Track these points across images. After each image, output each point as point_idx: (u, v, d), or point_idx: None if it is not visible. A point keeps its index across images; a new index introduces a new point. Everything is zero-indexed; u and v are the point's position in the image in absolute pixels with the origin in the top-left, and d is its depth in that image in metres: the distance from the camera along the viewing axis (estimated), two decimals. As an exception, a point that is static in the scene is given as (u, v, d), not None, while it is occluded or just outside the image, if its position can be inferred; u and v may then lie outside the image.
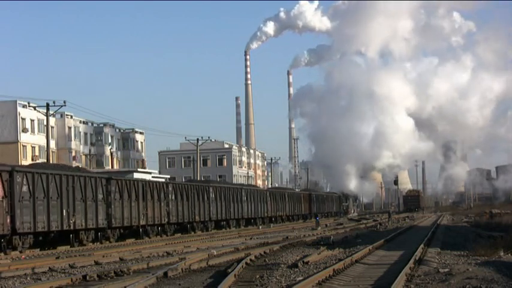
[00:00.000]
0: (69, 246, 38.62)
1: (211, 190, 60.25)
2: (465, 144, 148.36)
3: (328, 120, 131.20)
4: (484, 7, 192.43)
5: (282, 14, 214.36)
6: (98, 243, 41.68)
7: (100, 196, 41.44)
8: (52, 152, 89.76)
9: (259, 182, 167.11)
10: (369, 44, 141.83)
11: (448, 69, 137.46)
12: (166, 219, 50.93)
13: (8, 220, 32.86)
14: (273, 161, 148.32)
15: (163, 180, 68.93)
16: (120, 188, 44.10)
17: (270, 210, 78.32)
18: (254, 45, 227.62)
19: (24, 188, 34.19)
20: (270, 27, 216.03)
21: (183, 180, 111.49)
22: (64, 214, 37.42)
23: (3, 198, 32.59)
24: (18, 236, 34.07)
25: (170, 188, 52.13)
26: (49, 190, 36.14)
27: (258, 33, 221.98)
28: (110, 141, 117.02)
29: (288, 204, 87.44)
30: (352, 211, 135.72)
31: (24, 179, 34.24)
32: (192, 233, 55.61)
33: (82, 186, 39.36)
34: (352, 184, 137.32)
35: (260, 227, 66.58)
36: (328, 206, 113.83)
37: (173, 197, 52.22)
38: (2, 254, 32.82)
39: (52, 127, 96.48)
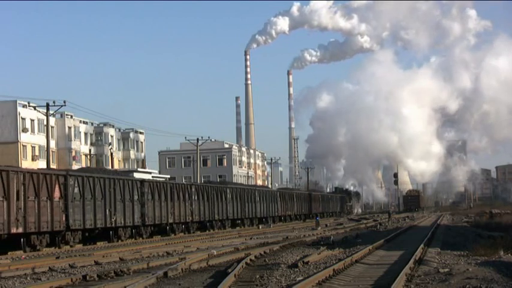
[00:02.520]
0: (106, 242, 42.48)
1: (228, 191, 64.41)
2: (477, 144, 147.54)
3: (346, 117, 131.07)
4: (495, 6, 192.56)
5: (294, 11, 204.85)
6: (133, 239, 45.79)
7: (136, 197, 46.14)
8: (52, 152, 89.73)
9: (259, 182, 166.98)
10: (388, 40, 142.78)
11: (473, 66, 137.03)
12: (190, 218, 55.27)
13: (63, 218, 37.55)
14: (273, 161, 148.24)
15: (163, 180, 69.23)
16: (151, 189, 48.70)
17: (280, 210, 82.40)
18: (262, 40, 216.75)
19: (76, 190, 38.92)
20: (284, 24, 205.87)
21: (183, 180, 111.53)
22: (107, 213, 42.03)
23: (59, 198, 37.15)
24: (70, 232, 38.56)
25: (193, 189, 56.47)
26: (95, 192, 40.89)
27: (270, 29, 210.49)
28: (110, 141, 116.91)
29: (296, 204, 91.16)
30: (356, 210, 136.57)
31: (76, 182, 38.99)
32: (211, 230, 59.43)
33: (121, 188, 44.10)
34: (378, 193, 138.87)
35: (260, 227, 66.59)
36: (332, 205, 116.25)
37: (196, 198, 56.66)
38: (57, 247, 37.25)
39: (52, 127, 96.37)
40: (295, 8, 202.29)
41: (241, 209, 67.55)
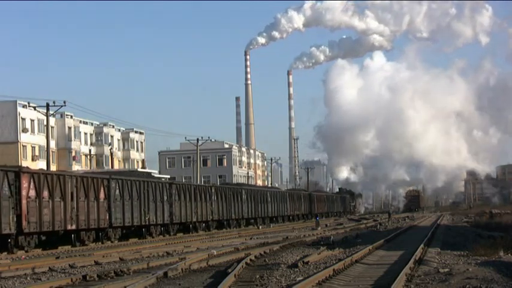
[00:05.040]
0: (137, 239, 46.32)
1: (243, 192, 68.86)
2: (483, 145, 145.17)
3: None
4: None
5: (307, 8, 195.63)
6: (162, 236, 49.89)
7: (165, 198, 50.43)
8: (52, 152, 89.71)
9: (259, 182, 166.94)
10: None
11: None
12: (211, 217, 59.70)
13: (107, 216, 42.05)
14: (273, 161, 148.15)
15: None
16: (178, 190, 53.05)
17: (289, 210, 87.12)
18: (277, 35, 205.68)
19: (117, 192, 43.45)
20: (299, 21, 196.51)
21: (183, 180, 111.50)
22: (142, 212, 46.52)
23: (104, 199, 41.66)
24: (112, 229, 43.03)
25: (213, 190, 60.99)
26: (132, 193, 45.34)
27: (283, 24, 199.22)
28: (110, 141, 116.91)
29: (303, 204, 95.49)
30: (360, 210, 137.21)
31: (117, 184, 43.49)
32: (228, 228, 63.05)
33: (153, 190, 48.51)
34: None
35: (260, 227, 66.63)
36: (337, 205, 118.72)
37: (215, 198, 60.94)
38: (100, 243, 41.45)
39: (52, 127, 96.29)
40: (307, 5, 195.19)
41: (254, 209, 71.79)
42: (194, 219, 55.71)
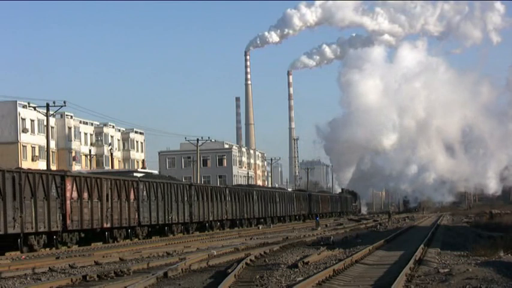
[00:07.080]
0: (159, 236, 49.42)
1: (254, 193, 72.78)
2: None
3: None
4: None
5: (317, 6, 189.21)
6: (181, 234, 53.35)
7: (185, 198, 54.19)
8: (52, 152, 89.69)
9: (259, 182, 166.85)
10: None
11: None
12: (225, 216, 63.37)
13: (137, 216, 45.92)
14: (273, 161, 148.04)
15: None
16: (197, 191, 56.78)
17: (295, 209, 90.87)
18: (291, 32, 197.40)
19: (144, 193, 47.36)
20: (311, 17, 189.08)
21: (183, 180, 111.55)
22: (166, 212, 50.23)
23: (133, 200, 45.53)
24: (139, 227, 46.87)
25: (227, 191, 64.60)
26: (157, 194, 49.17)
27: (295, 19, 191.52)
28: (110, 141, 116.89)
29: (309, 204, 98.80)
30: (362, 210, 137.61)
31: (144, 186, 47.41)
32: (241, 227, 66.45)
33: (175, 191, 52.40)
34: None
35: (260, 227, 66.63)
36: (340, 206, 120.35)
37: (229, 199, 64.56)
38: (129, 240, 44.92)
39: (52, 127, 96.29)
40: (318, 3, 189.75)
41: (264, 209, 75.70)
42: (211, 219, 59.44)
